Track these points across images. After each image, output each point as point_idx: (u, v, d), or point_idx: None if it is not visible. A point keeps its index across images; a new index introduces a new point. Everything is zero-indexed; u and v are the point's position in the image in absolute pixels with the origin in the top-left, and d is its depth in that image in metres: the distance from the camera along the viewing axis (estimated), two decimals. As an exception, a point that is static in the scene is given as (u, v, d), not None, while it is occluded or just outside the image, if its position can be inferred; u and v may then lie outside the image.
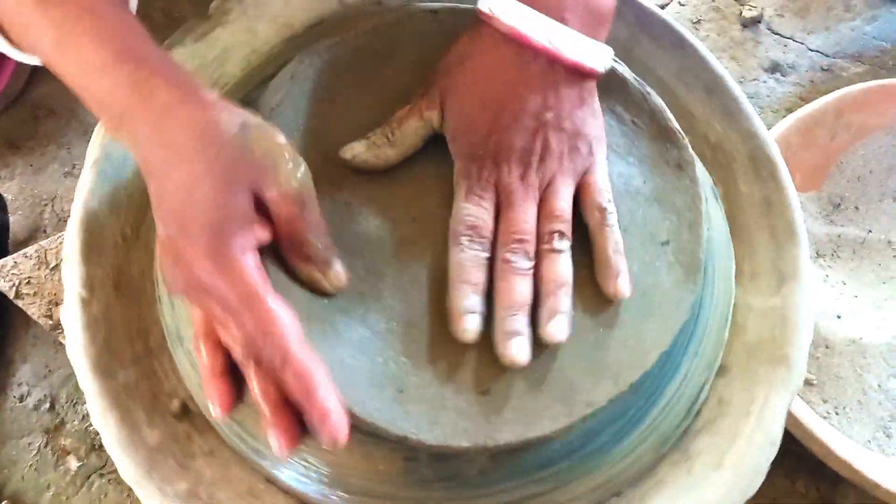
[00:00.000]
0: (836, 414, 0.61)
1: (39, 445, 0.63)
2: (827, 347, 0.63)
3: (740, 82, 0.85)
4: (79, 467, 0.62)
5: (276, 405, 0.35)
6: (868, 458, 0.58)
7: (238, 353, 0.35)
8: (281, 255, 0.38)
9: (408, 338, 0.39)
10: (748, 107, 0.53)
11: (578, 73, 0.42)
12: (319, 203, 0.38)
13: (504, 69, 0.42)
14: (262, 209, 0.36)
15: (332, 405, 0.33)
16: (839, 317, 0.65)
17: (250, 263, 0.34)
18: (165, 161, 0.35)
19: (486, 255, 0.41)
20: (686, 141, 0.45)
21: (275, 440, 0.35)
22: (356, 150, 0.43)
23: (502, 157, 0.42)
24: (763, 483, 0.63)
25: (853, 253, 0.70)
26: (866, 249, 0.70)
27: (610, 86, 0.46)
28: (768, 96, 0.84)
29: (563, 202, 0.42)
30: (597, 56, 0.42)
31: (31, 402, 0.64)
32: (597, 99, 0.44)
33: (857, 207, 0.72)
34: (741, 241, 0.49)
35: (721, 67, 0.54)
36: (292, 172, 0.36)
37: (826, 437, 0.56)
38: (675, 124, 0.45)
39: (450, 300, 0.40)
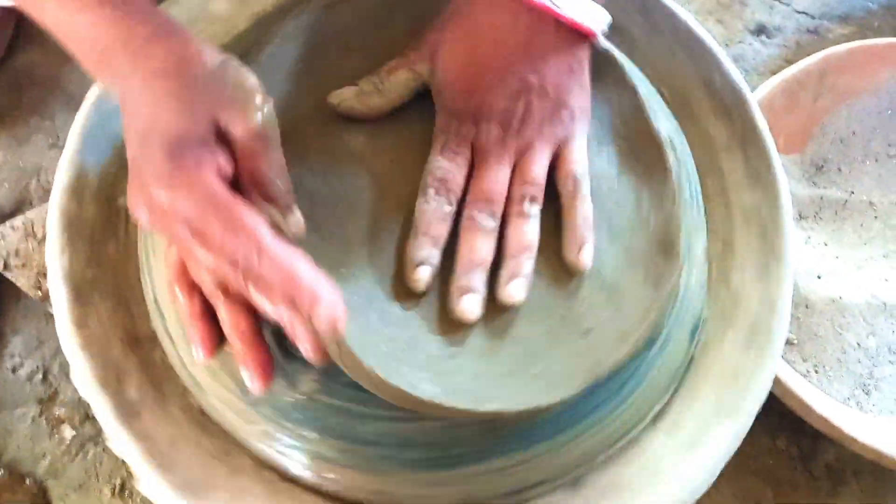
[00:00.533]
0: (816, 372, 0.63)
1: (34, 415, 0.64)
2: (807, 307, 0.64)
3: (726, 45, 0.85)
4: (73, 436, 0.63)
5: (248, 337, 0.35)
6: (846, 415, 0.60)
7: (208, 283, 0.35)
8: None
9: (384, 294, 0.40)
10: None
11: (573, 36, 0.42)
12: (299, 149, 0.39)
13: (496, 27, 0.42)
14: (226, 145, 0.36)
15: (320, 286, 0.32)
16: (819, 277, 0.66)
17: (210, 177, 0.34)
18: (140, 88, 0.35)
19: (452, 209, 0.41)
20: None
21: (249, 375, 0.36)
22: (344, 96, 0.43)
23: (482, 117, 0.42)
24: (745, 440, 0.65)
25: (835, 214, 0.70)
26: (848, 211, 0.70)
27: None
28: (754, 59, 0.84)
29: (538, 167, 0.42)
30: (594, 17, 0.42)
31: (23, 373, 0.65)
32: (587, 71, 0.43)
33: (839, 169, 0.72)
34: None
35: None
36: (258, 110, 0.36)
37: (805, 394, 0.57)
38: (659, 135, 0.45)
39: (407, 249, 0.40)
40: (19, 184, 0.72)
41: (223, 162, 0.35)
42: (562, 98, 0.42)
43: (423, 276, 0.39)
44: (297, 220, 0.38)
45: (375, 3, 0.46)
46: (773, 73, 0.74)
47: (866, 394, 0.62)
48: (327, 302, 0.32)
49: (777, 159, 0.50)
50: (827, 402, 0.60)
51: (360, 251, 0.41)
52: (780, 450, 0.65)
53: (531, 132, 0.42)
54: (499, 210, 0.41)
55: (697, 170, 0.50)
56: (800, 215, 0.70)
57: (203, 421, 0.42)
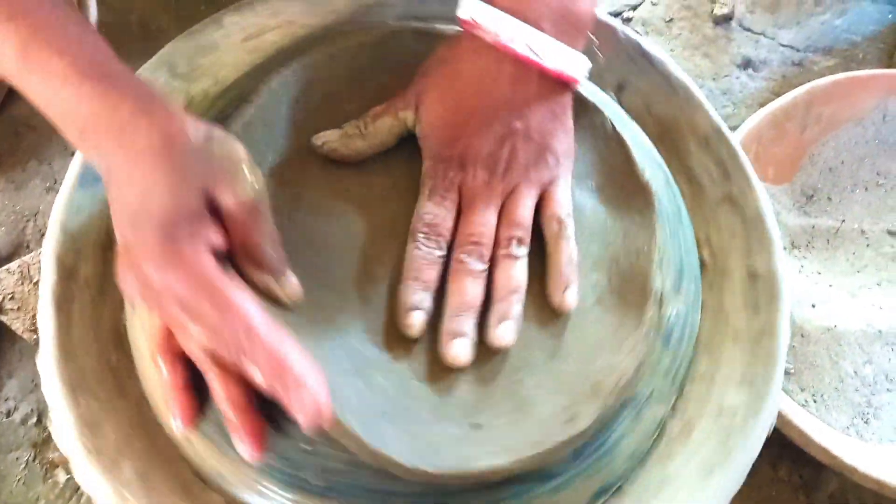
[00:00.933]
0: (815, 402, 0.62)
1: (28, 459, 0.63)
2: (803, 336, 0.64)
3: (713, 79, 0.86)
4: (67, 480, 0.62)
5: (241, 408, 0.35)
6: (846, 444, 0.59)
7: (200, 357, 0.35)
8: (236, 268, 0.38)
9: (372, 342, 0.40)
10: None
11: (555, 84, 0.43)
12: (286, 207, 0.39)
13: (480, 76, 0.43)
14: (217, 219, 0.36)
15: (306, 372, 0.33)
16: (814, 306, 0.66)
17: (204, 257, 0.34)
18: (125, 166, 0.35)
19: (442, 253, 0.41)
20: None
21: (243, 445, 0.36)
22: (327, 138, 0.44)
23: (469, 161, 0.43)
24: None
25: (827, 243, 0.71)
26: (840, 239, 0.71)
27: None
28: (741, 92, 0.85)
29: (524, 210, 0.43)
30: (575, 64, 0.43)
31: (18, 416, 0.65)
32: (569, 116, 0.44)
33: (829, 198, 0.73)
34: None
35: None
36: (249, 182, 0.36)
37: (805, 425, 0.57)
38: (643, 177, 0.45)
39: (399, 295, 0.41)
40: (16, 227, 0.73)
41: (215, 237, 0.36)
42: (546, 142, 0.43)
43: (415, 321, 0.40)
44: (291, 284, 0.39)
45: (360, 54, 0.47)
46: (761, 105, 0.75)
47: (865, 422, 0.62)
48: (312, 390, 0.33)
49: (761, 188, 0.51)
50: (826, 431, 0.60)
51: (349, 297, 0.41)
52: (783, 480, 0.65)
53: (517, 176, 0.43)
54: (487, 252, 0.42)
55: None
56: (792, 244, 0.70)
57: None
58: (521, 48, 0.41)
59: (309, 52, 0.46)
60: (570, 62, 0.42)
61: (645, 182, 0.44)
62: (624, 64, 0.54)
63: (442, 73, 0.44)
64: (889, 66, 0.87)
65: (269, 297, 0.38)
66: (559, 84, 0.43)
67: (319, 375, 0.33)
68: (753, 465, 0.64)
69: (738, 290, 0.47)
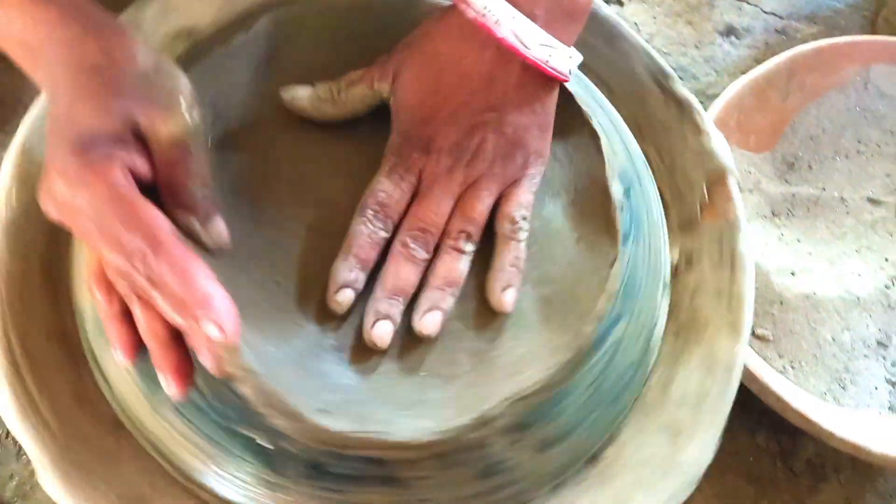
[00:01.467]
0: (793, 368, 0.63)
1: (0, 437, 0.62)
2: (781, 304, 0.64)
3: (696, 47, 0.85)
4: (43, 456, 0.61)
5: (163, 340, 0.34)
6: (823, 409, 0.60)
7: (122, 286, 0.34)
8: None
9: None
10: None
11: (540, 77, 0.41)
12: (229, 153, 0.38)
13: (461, 59, 0.41)
14: (146, 150, 0.35)
15: (213, 291, 0.32)
16: (793, 273, 0.66)
17: (116, 173, 0.33)
18: (64, 82, 0.34)
19: (387, 235, 0.40)
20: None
21: (165, 379, 0.35)
22: (297, 96, 0.43)
23: (435, 146, 0.41)
24: (724, 439, 0.65)
25: (807, 211, 0.71)
26: (820, 207, 0.71)
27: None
28: (724, 59, 0.85)
29: (481, 205, 0.41)
30: (563, 59, 0.41)
31: (-9, 393, 0.64)
32: (550, 114, 0.43)
33: (810, 166, 0.73)
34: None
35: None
36: (184, 118, 0.35)
37: (782, 391, 0.57)
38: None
39: (333, 268, 0.39)
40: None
41: (139, 162, 0.34)
42: (519, 138, 0.42)
43: (344, 298, 0.39)
44: (217, 229, 0.37)
45: (349, 7, 0.46)
46: (744, 73, 0.74)
47: (842, 388, 0.62)
48: (219, 309, 0.32)
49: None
50: (804, 397, 0.60)
51: (289, 260, 0.40)
52: (761, 447, 0.65)
53: (480, 168, 0.41)
54: (433, 241, 0.40)
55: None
56: (772, 212, 0.70)
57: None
58: (505, 34, 0.39)
59: (294, 4, 0.45)
60: (557, 56, 0.40)
61: (615, 202, 0.42)
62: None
63: (423, 49, 0.42)
64: (872, 34, 0.87)
65: (193, 240, 0.37)
66: (543, 79, 0.41)
67: (228, 298, 0.32)
68: (731, 433, 0.65)
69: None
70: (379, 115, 0.43)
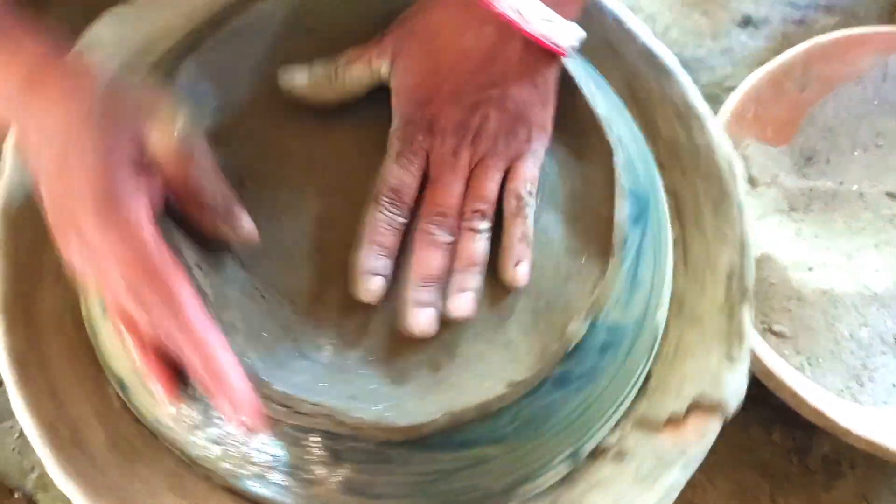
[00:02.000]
0: (810, 365, 0.62)
1: (21, 429, 0.63)
2: (799, 300, 0.64)
3: (712, 38, 0.85)
4: (62, 448, 0.62)
5: (153, 362, 0.36)
6: (840, 406, 0.59)
7: (145, 323, 0.34)
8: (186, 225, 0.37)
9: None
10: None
11: (540, 52, 0.41)
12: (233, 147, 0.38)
13: (460, 35, 0.41)
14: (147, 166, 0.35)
15: (233, 375, 0.33)
16: (811, 269, 0.66)
17: (144, 220, 0.32)
18: (43, 115, 0.33)
19: (404, 220, 0.40)
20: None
21: (156, 389, 0.36)
22: (295, 82, 0.42)
23: (438, 127, 0.41)
24: (740, 434, 0.65)
25: (825, 205, 0.70)
26: (838, 201, 0.70)
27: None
28: (741, 51, 0.84)
29: (490, 183, 0.41)
30: (565, 34, 0.40)
31: (10, 386, 0.64)
32: (552, 88, 0.42)
33: (828, 160, 0.72)
34: None
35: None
36: (170, 124, 0.34)
37: (798, 387, 0.57)
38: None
39: (357, 259, 0.39)
40: None
41: (156, 186, 0.34)
42: (521, 113, 0.41)
43: (375, 286, 0.39)
44: (245, 226, 0.37)
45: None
46: (760, 64, 0.73)
47: (860, 385, 0.62)
48: (240, 396, 0.33)
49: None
50: (820, 394, 0.60)
51: (297, 263, 0.40)
52: (776, 443, 0.65)
53: (485, 146, 0.41)
54: (453, 224, 0.40)
55: None
56: (790, 207, 0.70)
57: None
58: (505, 8, 0.39)
59: None
60: (558, 31, 0.40)
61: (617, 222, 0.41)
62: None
63: (422, 25, 0.41)
64: (890, 24, 0.86)
65: (224, 242, 0.37)
66: (544, 53, 0.41)
67: (245, 382, 0.33)
68: (747, 428, 0.65)
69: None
70: (380, 98, 0.43)
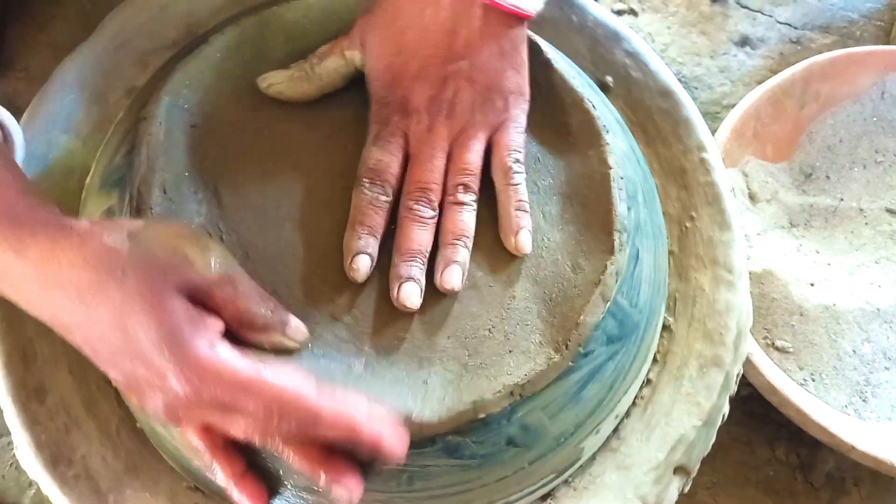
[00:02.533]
0: (813, 381, 0.62)
1: (19, 444, 0.62)
2: (801, 315, 0.64)
3: (710, 57, 0.85)
4: (60, 465, 0.61)
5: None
6: (844, 422, 0.59)
7: (258, 438, 0.34)
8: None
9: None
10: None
11: (503, 18, 0.41)
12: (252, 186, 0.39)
13: (420, 11, 0.41)
14: (198, 302, 0.34)
15: (381, 425, 0.33)
16: (813, 284, 0.66)
17: (226, 352, 0.32)
18: (74, 308, 0.32)
19: (387, 198, 0.41)
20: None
21: (343, 492, 0.35)
22: (272, 80, 0.43)
23: (412, 107, 0.41)
24: (743, 451, 0.64)
25: (825, 221, 0.70)
26: (838, 217, 0.70)
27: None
28: (738, 70, 0.84)
29: (471, 155, 0.41)
30: None
31: (8, 401, 0.64)
32: (521, 52, 0.43)
33: (828, 176, 0.72)
34: None
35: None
36: (206, 257, 0.34)
37: (803, 403, 0.57)
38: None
39: (344, 240, 0.40)
40: None
41: (216, 326, 0.34)
42: (493, 82, 0.42)
43: (361, 265, 0.39)
44: (298, 330, 0.37)
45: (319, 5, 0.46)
46: (758, 83, 0.74)
47: (864, 401, 0.62)
48: (391, 438, 0.33)
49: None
50: (824, 410, 0.60)
51: (294, 245, 0.41)
52: (780, 460, 0.65)
53: (461, 119, 0.42)
54: (436, 199, 0.41)
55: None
56: (791, 223, 0.70)
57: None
58: None
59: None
60: None
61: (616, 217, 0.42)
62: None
63: (384, 9, 0.42)
64: (887, 44, 0.87)
65: (283, 351, 0.37)
66: (508, 18, 0.41)
67: (393, 420, 0.34)
68: (751, 445, 0.64)
69: None
70: (362, 88, 0.44)
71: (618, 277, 0.40)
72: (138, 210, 0.39)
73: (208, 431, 0.35)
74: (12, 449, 0.62)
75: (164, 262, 0.33)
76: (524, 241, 0.40)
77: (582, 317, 0.39)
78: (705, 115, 0.52)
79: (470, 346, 0.39)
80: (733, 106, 0.70)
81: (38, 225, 0.32)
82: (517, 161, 0.42)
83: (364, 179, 0.41)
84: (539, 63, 0.45)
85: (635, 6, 0.88)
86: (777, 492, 0.63)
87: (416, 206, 0.40)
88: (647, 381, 0.46)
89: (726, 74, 0.84)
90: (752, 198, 0.70)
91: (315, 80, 0.43)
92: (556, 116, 0.44)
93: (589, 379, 0.40)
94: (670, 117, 0.52)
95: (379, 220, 0.40)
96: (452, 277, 0.39)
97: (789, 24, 0.88)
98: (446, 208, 0.41)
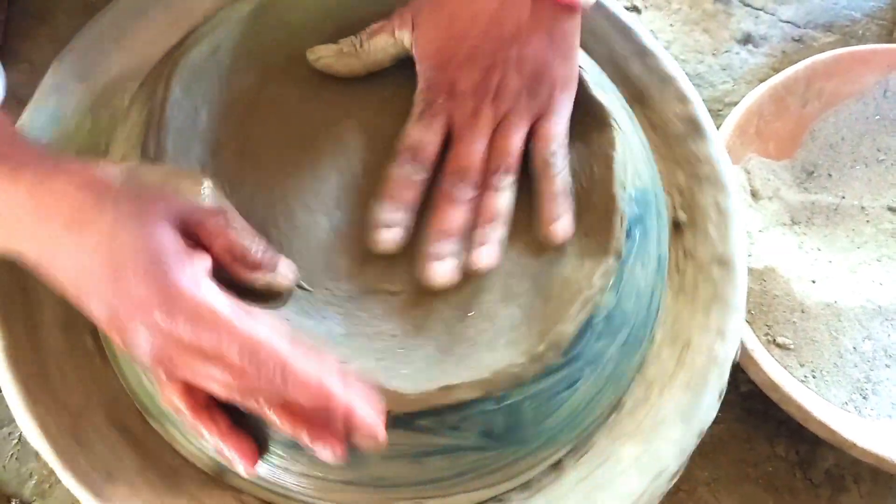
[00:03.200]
0: (814, 377, 0.62)
1: (20, 435, 0.62)
2: (803, 312, 0.64)
3: (713, 54, 0.85)
4: (61, 456, 0.61)
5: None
6: (845, 419, 0.59)
7: (236, 393, 0.33)
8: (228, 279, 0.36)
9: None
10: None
11: (555, 7, 0.41)
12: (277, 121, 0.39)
13: None
14: (189, 237, 0.34)
15: (354, 399, 0.32)
16: (814, 282, 0.66)
17: (208, 289, 0.32)
18: (62, 235, 0.31)
19: (422, 177, 0.41)
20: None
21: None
22: (321, 53, 0.43)
23: (458, 89, 0.42)
24: (743, 448, 0.64)
25: (827, 219, 0.70)
26: (840, 215, 0.70)
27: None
28: (741, 68, 0.84)
29: (511, 139, 0.42)
30: None
31: (9, 393, 0.64)
32: (571, 43, 0.43)
33: (830, 174, 0.72)
34: None
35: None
36: (197, 188, 0.34)
37: (804, 400, 0.57)
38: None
39: (371, 211, 0.40)
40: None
41: (203, 260, 0.33)
42: (540, 71, 0.42)
43: (383, 237, 0.39)
44: (288, 271, 0.37)
45: None
46: (761, 81, 0.74)
47: (864, 398, 0.62)
48: (363, 417, 0.32)
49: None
50: (825, 407, 0.60)
51: (329, 216, 0.41)
52: (780, 456, 0.65)
53: (507, 105, 0.42)
54: (474, 182, 0.41)
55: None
56: (792, 220, 0.70)
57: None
58: None
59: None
60: None
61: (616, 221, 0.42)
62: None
63: None
64: (889, 43, 0.87)
65: (273, 293, 0.37)
66: (560, 8, 0.41)
67: (371, 395, 0.33)
68: (751, 442, 0.64)
69: None
70: (403, 73, 0.44)
71: (612, 277, 0.40)
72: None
73: (189, 391, 0.35)
74: (12, 440, 0.62)
75: (156, 190, 0.33)
76: (562, 229, 0.41)
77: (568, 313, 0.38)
78: (708, 112, 0.52)
79: (456, 332, 0.39)
80: (736, 104, 0.70)
81: (32, 155, 0.33)
82: (554, 153, 0.42)
83: (401, 156, 0.41)
84: None
85: (638, 3, 0.88)
86: (777, 488, 0.63)
87: (452, 189, 0.41)
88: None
89: (729, 72, 0.84)
90: (755, 195, 0.70)
91: (363, 56, 0.43)
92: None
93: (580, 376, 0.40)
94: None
95: (410, 196, 0.41)
96: (488, 255, 0.40)
97: (792, 23, 0.88)
98: (485, 190, 0.41)
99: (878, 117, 0.73)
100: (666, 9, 0.88)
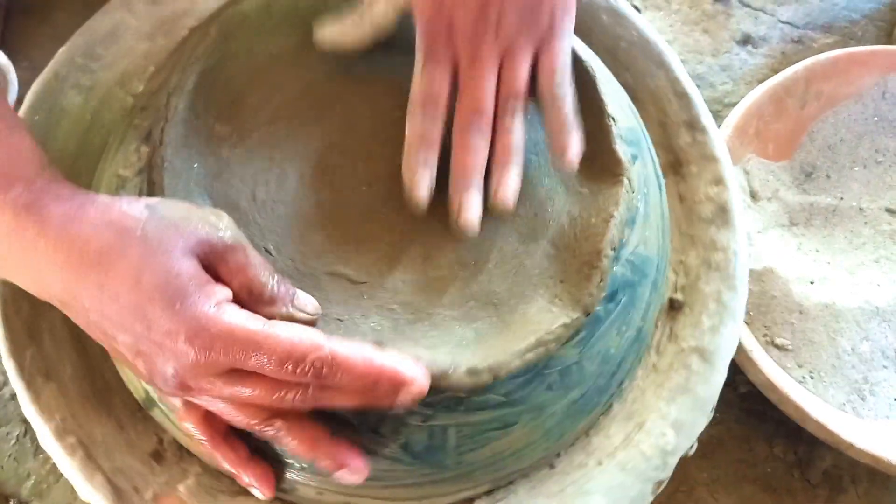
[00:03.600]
0: (812, 378, 0.62)
1: (18, 435, 0.62)
2: (801, 313, 0.64)
3: (713, 55, 0.85)
4: (59, 455, 0.61)
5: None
6: (843, 420, 0.59)
7: (258, 421, 0.34)
8: None
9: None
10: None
11: None
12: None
13: None
14: (209, 271, 0.34)
15: (403, 366, 0.33)
16: (812, 283, 0.66)
17: (233, 312, 0.32)
18: (90, 270, 0.32)
19: (440, 125, 0.42)
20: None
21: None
22: (327, 32, 0.44)
23: (457, 30, 0.42)
24: (741, 448, 0.64)
25: (825, 220, 0.70)
26: (838, 217, 0.71)
27: None
28: (740, 68, 0.84)
29: (520, 72, 0.42)
30: None
31: (7, 392, 0.64)
32: None
33: (828, 175, 0.72)
34: None
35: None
36: (217, 224, 0.35)
37: (802, 400, 0.57)
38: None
39: (404, 166, 0.41)
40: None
41: (224, 292, 0.34)
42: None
43: (421, 178, 0.40)
44: (307, 303, 0.37)
45: None
46: (760, 81, 0.74)
47: (862, 399, 0.62)
48: (411, 372, 0.33)
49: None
50: (823, 407, 0.60)
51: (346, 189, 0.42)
52: (778, 457, 0.65)
53: (508, 38, 0.42)
54: (487, 119, 0.42)
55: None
56: (791, 221, 0.70)
57: None
58: None
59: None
60: None
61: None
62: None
63: None
64: (888, 44, 0.87)
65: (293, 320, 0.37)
66: None
67: (413, 362, 0.34)
68: (749, 442, 0.64)
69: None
70: (403, 73, 0.44)
71: (576, 332, 0.39)
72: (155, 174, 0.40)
73: (208, 420, 0.36)
74: (10, 440, 0.62)
75: (181, 224, 0.34)
76: (573, 159, 0.41)
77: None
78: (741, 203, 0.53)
79: (400, 332, 0.39)
80: (735, 104, 0.70)
81: (62, 193, 0.34)
82: (559, 84, 0.42)
83: (414, 107, 0.42)
84: None
85: (638, 4, 0.88)
86: (775, 489, 0.64)
87: (469, 126, 0.41)
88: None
89: (728, 73, 0.84)
90: (754, 196, 0.70)
91: (367, 25, 0.44)
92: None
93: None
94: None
95: (435, 136, 0.41)
96: (508, 193, 0.40)
97: (791, 24, 0.88)
98: (498, 128, 0.42)
99: (876, 119, 0.73)
100: (666, 9, 0.88)
